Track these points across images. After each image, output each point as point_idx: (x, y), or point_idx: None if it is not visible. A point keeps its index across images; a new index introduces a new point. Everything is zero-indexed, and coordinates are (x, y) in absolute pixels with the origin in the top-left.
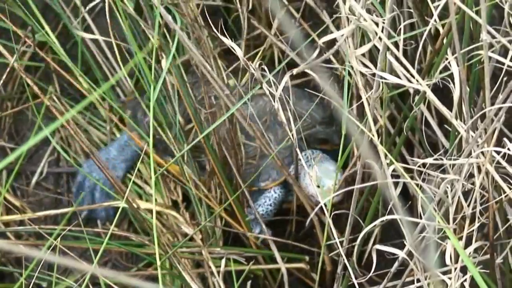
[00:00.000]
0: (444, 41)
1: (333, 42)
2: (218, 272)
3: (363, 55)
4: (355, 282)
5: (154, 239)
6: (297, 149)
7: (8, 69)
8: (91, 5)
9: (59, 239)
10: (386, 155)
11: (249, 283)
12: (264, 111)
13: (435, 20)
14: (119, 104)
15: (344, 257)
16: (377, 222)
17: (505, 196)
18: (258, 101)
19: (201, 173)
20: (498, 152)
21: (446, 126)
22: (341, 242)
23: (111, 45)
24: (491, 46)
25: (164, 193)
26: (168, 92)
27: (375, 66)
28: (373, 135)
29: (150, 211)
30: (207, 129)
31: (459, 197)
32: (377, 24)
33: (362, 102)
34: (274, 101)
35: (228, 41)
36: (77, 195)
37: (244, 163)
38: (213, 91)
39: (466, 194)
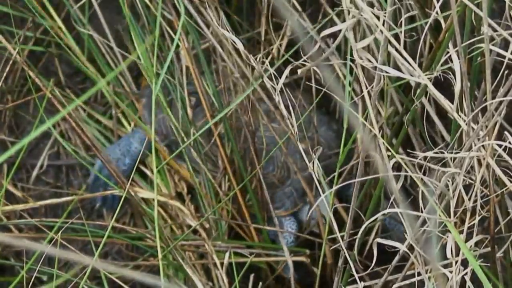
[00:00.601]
0: (446, 34)
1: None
2: (222, 264)
3: (367, 49)
4: (356, 276)
5: (156, 231)
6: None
7: (10, 62)
8: None
9: (60, 232)
10: (387, 148)
11: (251, 276)
12: (281, 137)
13: (436, 13)
14: (135, 95)
15: (345, 250)
16: (378, 215)
17: (506, 190)
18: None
19: (214, 169)
20: (499, 146)
21: (449, 115)
22: (342, 236)
23: (115, 36)
24: (492, 39)
25: (169, 184)
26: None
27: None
28: (374, 128)
29: (153, 203)
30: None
31: (460, 190)
32: (378, 17)
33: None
34: (275, 95)
35: (229, 35)
36: (93, 188)
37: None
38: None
39: (467, 187)
